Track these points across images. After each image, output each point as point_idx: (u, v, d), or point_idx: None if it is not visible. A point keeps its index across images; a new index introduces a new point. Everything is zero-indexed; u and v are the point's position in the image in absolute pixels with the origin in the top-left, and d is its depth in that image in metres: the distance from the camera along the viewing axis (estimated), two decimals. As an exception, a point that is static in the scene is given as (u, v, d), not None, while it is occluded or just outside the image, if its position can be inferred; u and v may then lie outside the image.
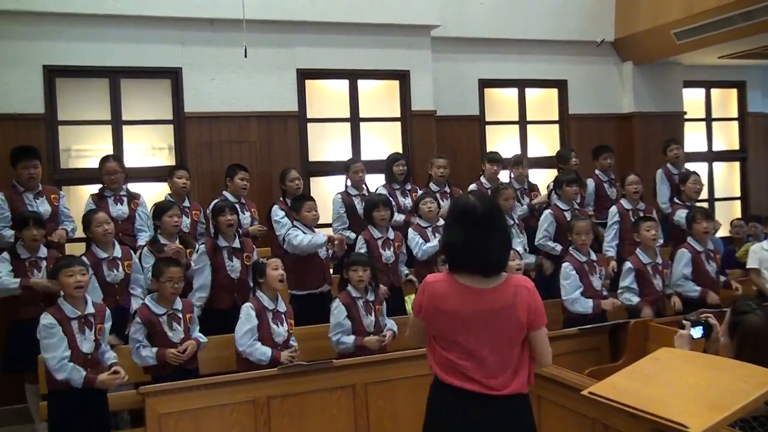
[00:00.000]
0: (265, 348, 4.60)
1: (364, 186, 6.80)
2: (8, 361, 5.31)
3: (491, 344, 2.76)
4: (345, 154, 7.63)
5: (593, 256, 5.81)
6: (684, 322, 3.47)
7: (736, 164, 10.44)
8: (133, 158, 6.94)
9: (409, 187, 7.03)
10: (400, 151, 7.74)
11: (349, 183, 6.75)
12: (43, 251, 5.30)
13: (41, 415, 4.95)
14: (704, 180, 9.95)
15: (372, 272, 5.08)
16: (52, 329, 4.13)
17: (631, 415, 2.56)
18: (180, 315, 4.69)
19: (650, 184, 7.62)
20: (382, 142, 7.88)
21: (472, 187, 7.08)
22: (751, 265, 6.55)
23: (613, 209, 6.82)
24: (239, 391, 4.19)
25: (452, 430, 2.81)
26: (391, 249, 5.92)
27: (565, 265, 5.72)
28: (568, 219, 6.31)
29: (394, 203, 6.46)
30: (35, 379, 4.87)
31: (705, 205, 9.80)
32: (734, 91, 10.42)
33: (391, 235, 5.99)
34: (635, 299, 5.69)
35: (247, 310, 4.70)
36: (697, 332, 3.41)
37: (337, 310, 4.95)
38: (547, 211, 6.69)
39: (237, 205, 6.06)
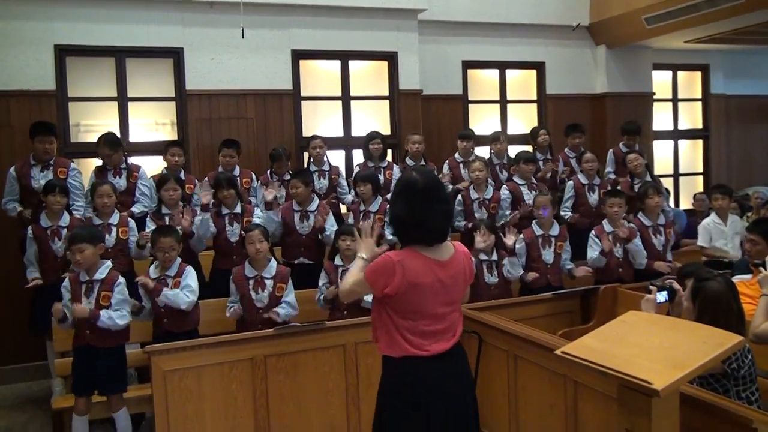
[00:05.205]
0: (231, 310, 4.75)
1: (325, 160, 6.68)
2: (33, 322, 5.41)
3: (453, 305, 2.87)
4: (336, 131, 7.59)
5: (553, 230, 5.69)
6: (650, 287, 3.49)
7: (700, 142, 10.43)
8: (137, 133, 6.87)
9: (385, 164, 6.94)
10: (389, 127, 7.72)
11: (311, 160, 6.69)
12: (65, 219, 5.33)
13: (57, 371, 4.98)
14: (670, 156, 10.03)
15: None
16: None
17: (601, 373, 2.57)
18: (170, 281, 4.63)
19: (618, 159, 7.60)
20: (372, 119, 7.82)
21: (446, 162, 7.21)
22: (700, 243, 6.21)
23: (570, 184, 6.91)
24: (238, 350, 4.18)
25: (444, 396, 2.79)
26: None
27: (520, 236, 5.65)
28: (523, 194, 6.49)
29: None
30: (54, 337, 4.92)
31: (670, 180, 9.88)
32: (699, 74, 10.38)
33: (373, 207, 5.98)
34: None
35: (230, 282, 4.85)
36: (661, 297, 3.44)
37: (321, 276, 5.09)
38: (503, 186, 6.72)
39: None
